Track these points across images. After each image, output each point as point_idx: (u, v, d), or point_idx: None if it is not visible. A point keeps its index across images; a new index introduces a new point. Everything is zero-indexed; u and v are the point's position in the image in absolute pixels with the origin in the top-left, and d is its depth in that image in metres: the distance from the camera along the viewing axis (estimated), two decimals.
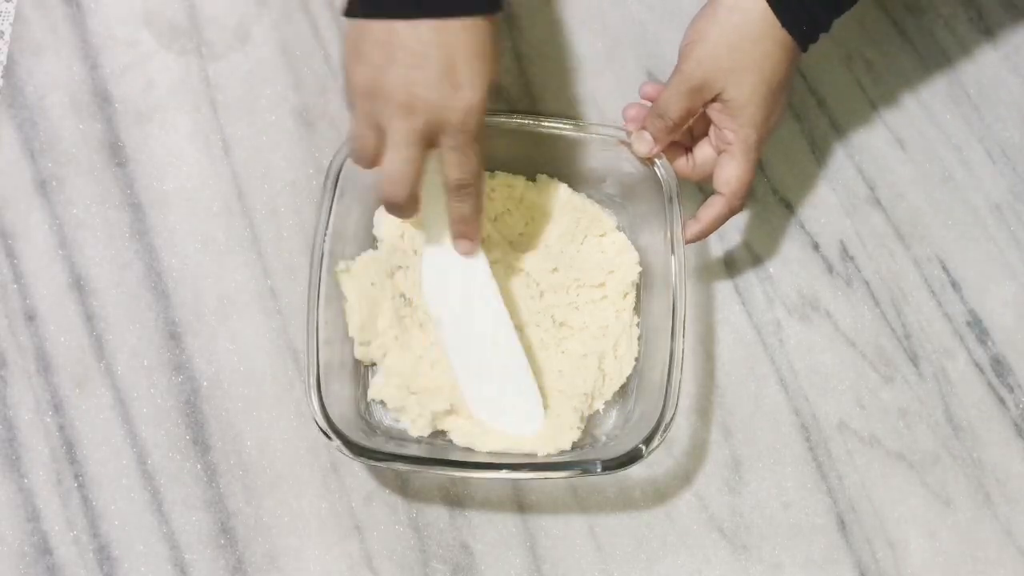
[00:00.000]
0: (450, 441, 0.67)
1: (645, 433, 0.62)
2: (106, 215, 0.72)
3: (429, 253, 0.67)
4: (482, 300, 0.66)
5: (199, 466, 0.68)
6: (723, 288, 0.74)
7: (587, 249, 0.72)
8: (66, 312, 0.70)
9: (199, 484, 0.68)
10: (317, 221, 0.65)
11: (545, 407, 0.67)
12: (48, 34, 0.75)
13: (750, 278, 0.74)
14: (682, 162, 0.68)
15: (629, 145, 0.67)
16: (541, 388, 0.67)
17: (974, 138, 0.79)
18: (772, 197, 0.76)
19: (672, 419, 0.62)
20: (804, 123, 0.78)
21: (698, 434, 0.71)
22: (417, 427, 0.67)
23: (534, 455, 0.66)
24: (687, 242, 0.66)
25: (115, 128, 0.74)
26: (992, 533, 0.70)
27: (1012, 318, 0.75)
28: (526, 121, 0.69)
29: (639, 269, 0.71)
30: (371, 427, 0.67)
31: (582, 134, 0.69)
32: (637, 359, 0.70)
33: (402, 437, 0.67)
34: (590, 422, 0.68)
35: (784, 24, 0.61)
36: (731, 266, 0.75)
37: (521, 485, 0.69)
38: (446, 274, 0.66)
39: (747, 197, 0.66)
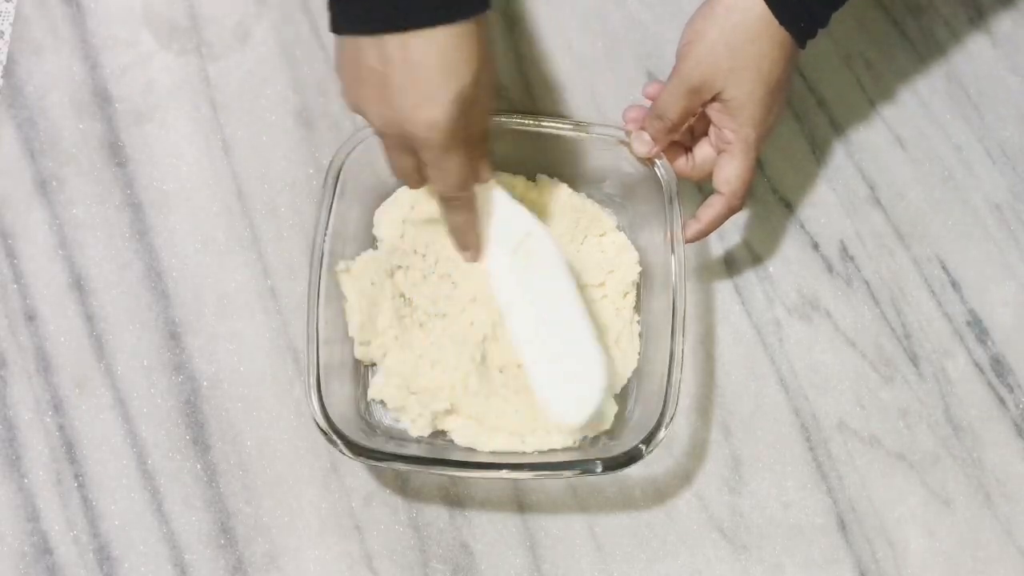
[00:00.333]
0: (450, 441, 0.67)
1: (645, 433, 0.62)
2: (106, 215, 0.72)
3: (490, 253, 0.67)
4: (551, 283, 0.66)
5: (199, 466, 0.68)
6: (723, 288, 0.74)
7: (587, 249, 0.72)
8: (66, 312, 0.70)
9: (199, 484, 0.68)
10: (317, 221, 0.65)
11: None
12: (48, 34, 0.75)
13: (750, 278, 0.74)
14: (682, 161, 0.68)
15: (629, 145, 0.67)
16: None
17: (974, 138, 0.79)
18: (772, 197, 0.76)
19: (672, 419, 0.62)
20: (804, 123, 0.78)
21: (698, 434, 0.71)
22: (417, 427, 0.67)
23: (534, 455, 0.66)
24: (687, 242, 0.66)
25: (115, 128, 0.74)
26: (992, 533, 0.70)
27: (1012, 318, 0.75)
28: (526, 121, 0.69)
29: (639, 268, 0.71)
30: (371, 427, 0.67)
31: (582, 134, 0.69)
32: (639, 354, 0.69)
33: (402, 437, 0.67)
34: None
35: (782, 22, 0.61)
36: (731, 266, 0.75)
37: (521, 485, 0.69)
38: (512, 265, 0.66)
39: (747, 196, 0.66)
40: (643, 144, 0.67)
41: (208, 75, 0.75)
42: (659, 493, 0.69)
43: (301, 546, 0.67)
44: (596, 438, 0.68)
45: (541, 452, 0.67)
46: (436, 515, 0.68)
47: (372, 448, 0.62)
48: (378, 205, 0.71)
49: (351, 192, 0.67)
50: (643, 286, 0.71)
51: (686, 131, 0.67)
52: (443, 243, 0.70)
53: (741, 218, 0.75)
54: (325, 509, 0.68)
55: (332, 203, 0.65)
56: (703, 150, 0.67)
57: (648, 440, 0.62)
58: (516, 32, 0.78)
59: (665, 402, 0.62)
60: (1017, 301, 0.75)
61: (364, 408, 0.68)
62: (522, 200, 0.71)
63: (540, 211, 0.72)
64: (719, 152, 0.65)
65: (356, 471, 0.68)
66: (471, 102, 0.55)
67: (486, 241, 0.67)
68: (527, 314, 0.66)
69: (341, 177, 0.66)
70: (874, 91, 0.79)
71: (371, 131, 0.66)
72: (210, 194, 0.73)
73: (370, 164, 0.68)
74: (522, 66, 0.78)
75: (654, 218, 0.68)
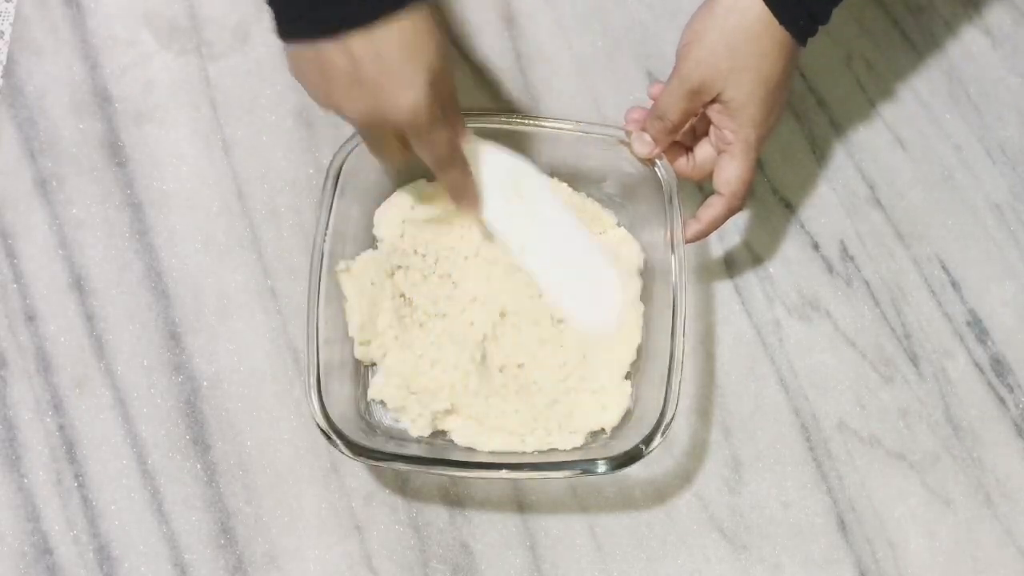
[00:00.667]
0: (450, 441, 0.67)
1: (645, 433, 0.62)
2: (106, 215, 0.72)
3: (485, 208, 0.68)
4: (550, 215, 0.69)
5: (199, 466, 0.68)
6: (723, 288, 0.74)
7: None
8: (66, 312, 0.70)
9: (199, 484, 0.68)
10: (317, 221, 0.65)
11: (557, 401, 0.68)
12: (48, 34, 0.75)
13: (750, 278, 0.74)
14: (683, 161, 0.68)
15: (629, 145, 0.67)
16: (547, 384, 0.68)
17: (974, 138, 0.79)
18: (772, 197, 0.76)
19: (672, 419, 0.62)
20: (804, 123, 0.78)
21: (698, 434, 0.71)
22: (417, 427, 0.67)
23: (534, 455, 0.66)
24: (687, 242, 0.66)
25: (115, 128, 0.74)
26: (992, 533, 0.70)
27: (1012, 318, 0.75)
28: (526, 121, 0.69)
29: (643, 255, 0.71)
30: (371, 427, 0.67)
31: (582, 134, 0.69)
32: (639, 347, 0.69)
33: (402, 437, 0.67)
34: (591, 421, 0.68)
35: (782, 22, 0.61)
36: (731, 266, 0.75)
37: (521, 485, 0.69)
38: (509, 210, 0.68)
39: (747, 197, 0.66)
40: (644, 145, 0.67)
41: (208, 75, 0.75)
42: (659, 493, 0.69)
43: (301, 546, 0.67)
44: (596, 438, 0.68)
45: (541, 452, 0.67)
46: (436, 515, 0.68)
47: (372, 448, 0.62)
48: (378, 205, 0.71)
49: (351, 192, 0.67)
50: (643, 287, 0.71)
51: (687, 131, 0.67)
52: (443, 243, 0.70)
53: (741, 218, 0.75)
54: (325, 509, 0.68)
55: (332, 203, 0.65)
56: (704, 150, 0.67)
57: (648, 440, 0.62)
58: (516, 32, 0.78)
59: (665, 402, 0.62)
60: (1017, 301, 0.75)
61: (364, 408, 0.68)
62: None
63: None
64: (719, 152, 0.65)
65: (356, 471, 0.68)
66: (441, 76, 0.57)
67: (480, 192, 0.67)
68: (536, 248, 0.68)
69: (341, 177, 0.66)
70: (874, 91, 0.79)
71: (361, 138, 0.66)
72: (210, 194, 0.73)
73: (370, 164, 0.68)
74: (522, 66, 0.78)
75: (654, 218, 0.68)
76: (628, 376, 0.69)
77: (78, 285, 0.71)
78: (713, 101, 0.64)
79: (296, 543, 0.67)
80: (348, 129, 0.75)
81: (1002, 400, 0.73)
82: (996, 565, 0.69)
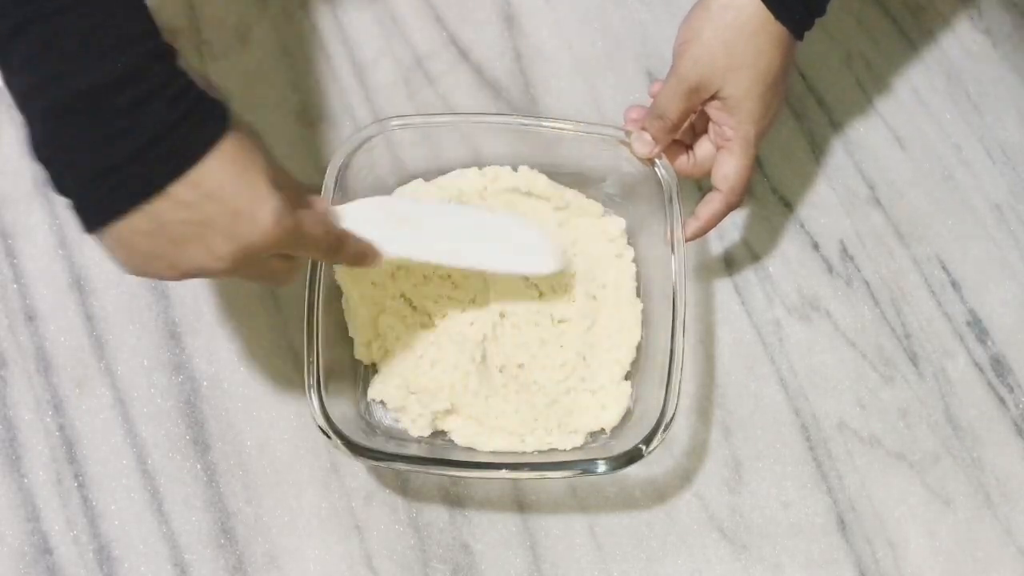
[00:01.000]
0: (450, 441, 0.67)
1: (645, 433, 0.62)
2: None
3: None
4: (445, 220, 0.66)
5: (199, 466, 0.68)
6: (723, 288, 0.74)
7: (582, 243, 0.72)
8: (66, 312, 0.70)
9: (199, 484, 0.68)
10: None
11: (557, 401, 0.68)
12: None
13: (750, 278, 0.74)
14: (683, 159, 0.68)
15: (629, 145, 0.67)
16: (547, 384, 0.68)
17: (974, 138, 0.79)
18: (772, 196, 0.76)
19: (672, 419, 0.62)
20: (804, 122, 0.78)
21: (698, 434, 0.71)
22: (417, 427, 0.67)
23: (534, 455, 0.66)
24: (687, 240, 0.66)
25: None
26: (992, 533, 0.70)
27: (1012, 318, 0.75)
28: (526, 121, 0.69)
29: (624, 224, 0.72)
30: (371, 427, 0.67)
31: (582, 134, 0.69)
32: (639, 344, 0.70)
33: (402, 437, 0.67)
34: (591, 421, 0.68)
35: (778, 17, 0.61)
36: (731, 266, 0.75)
37: (521, 485, 0.69)
38: (405, 238, 0.65)
39: (745, 192, 0.66)
40: (644, 144, 0.67)
41: (208, 75, 0.75)
42: (659, 493, 0.69)
43: (301, 546, 0.67)
44: (596, 438, 0.68)
45: (541, 452, 0.67)
46: (436, 515, 0.68)
47: (372, 448, 0.62)
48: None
49: (351, 192, 0.67)
50: (643, 286, 0.71)
51: (687, 129, 0.67)
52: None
53: (741, 218, 0.75)
54: (325, 509, 0.68)
55: (332, 203, 0.65)
56: (704, 147, 0.67)
57: (648, 440, 0.62)
58: (516, 32, 0.78)
59: (665, 402, 0.62)
60: (1017, 301, 0.75)
61: (364, 408, 0.68)
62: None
63: (520, 204, 0.72)
64: (718, 149, 0.66)
65: (356, 471, 0.68)
66: (274, 170, 0.52)
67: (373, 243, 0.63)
68: (452, 247, 0.65)
69: (341, 177, 0.66)
70: (874, 91, 0.79)
71: (361, 138, 0.66)
72: None
73: (370, 164, 0.68)
74: (522, 66, 0.78)
75: (654, 218, 0.68)
76: (628, 376, 0.69)
77: (78, 285, 0.71)
78: (712, 98, 0.64)
79: (296, 543, 0.67)
80: (348, 129, 0.75)
81: (1002, 400, 0.73)
82: (996, 565, 0.70)
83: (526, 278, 0.70)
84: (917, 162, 0.78)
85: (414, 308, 0.69)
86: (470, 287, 0.70)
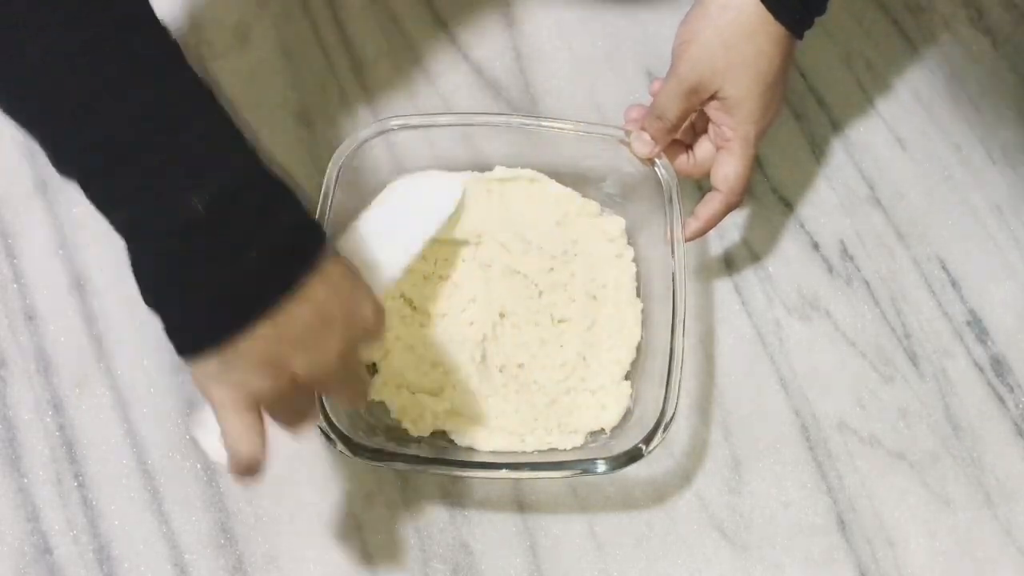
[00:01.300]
0: (450, 441, 0.67)
1: (645, 433, 0.62)
2: None
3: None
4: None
5: (199, 466, 0.68)
6: (723, 288, 0.74)
7: (582, 243, 0.72)
8: (66, 312, 0.70)
9: (199, 484, 0.68)
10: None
11: (557, 401, 0.68)
12: None
13: (750, 278, 0.74)
14: (683, 159, 0.68)
15: (629, 145, 0.67)
16: (547, 384, 0.68)
17: (974, 138, 0.79)
18: (772, 196, 0.76)
19: (672, 419, 0.62)
20: (804, 122, 0.78)
21: (698, 434, 0.71)
22: (418, 427, 0.67)
23: (534, 455, 0.66)
24: (687, 240, 0.66)
25: None
26: (992, 533, 0.70)
27: (1012, 318, 0.75)
28: (526, 121, 0.69)
29: (623, 223, 0.71)
30: (371, 427, 0.67)
31: (582, 134, 0.69)
32: (639, 343, 0.70)
33: (402, 437, 0.67)
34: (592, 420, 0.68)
35: (778, 17, 0.61)
36: (731, 266, 0.75)
37: (521, 485, 0.69)
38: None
39: (745, 192, 0.66)
40: (643, 144, 0.67)
41: (208, 75, 0.75)
42: (659, 493, 0.69)
43: (301, 546, 0.67)
44: (596, 437, 0.68)
45: (541, 452, 0.67)
46: (436, 515, 0.68)
47: (372, 448, 0.62)
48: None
49: (351, 192, 0.67)
50: (643, 286, 0.71)
51: (687, 129, 0.67)
52: (443, 244, 0.70)
53: (741, 218, 0.75)
54: (325, 509, 0.68)
55: (332, 203, 0.65)
56: (704, 147, 0.67)
57: (648, 440, 0.62)
58: (516, 32, 0.78)
59: (665, 402, 0.62)
60: (1017, 301, 0.75)
61: (364, 408, 0.68)
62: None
63: (516, 204, 0.72)
64: (718, 149, 0.66)
65: (356, 471, 0.68)
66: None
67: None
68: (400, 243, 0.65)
69: (341, 177, 0.66)
70: (874, 91, 0.79)
71: (361, 138, 0.66)
72: None
73: (370, 164, 0.68)
74: (522, 66, 0.78)
75: (654, 218, 0.68)
76: (628, 376, 0.69)
77: (78, 285, 0.71)
78: (711, 98, 0.64)
79: (296, 543, 0.67)
80: (348, 129, 0.75)
81: (1002, 400, 0.73)
82: (996, 565, 0.69)
83: (525, 276, 0.70)
84: (917, 162, 0.78)
85: (414, 308, 0.69)
86: (470, 288, 0.70)
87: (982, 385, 0.73)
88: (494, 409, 0.67)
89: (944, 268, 0.76)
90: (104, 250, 0.71)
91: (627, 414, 0.68)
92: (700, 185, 0.75)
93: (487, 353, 0.68)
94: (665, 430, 0.62)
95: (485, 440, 0.67)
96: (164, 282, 0.49)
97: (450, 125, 0.70)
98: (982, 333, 0.74)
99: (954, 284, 0.75)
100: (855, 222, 0.76)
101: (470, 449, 0.67)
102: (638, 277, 0.71)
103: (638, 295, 0.71)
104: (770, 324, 0.73)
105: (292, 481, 0.68)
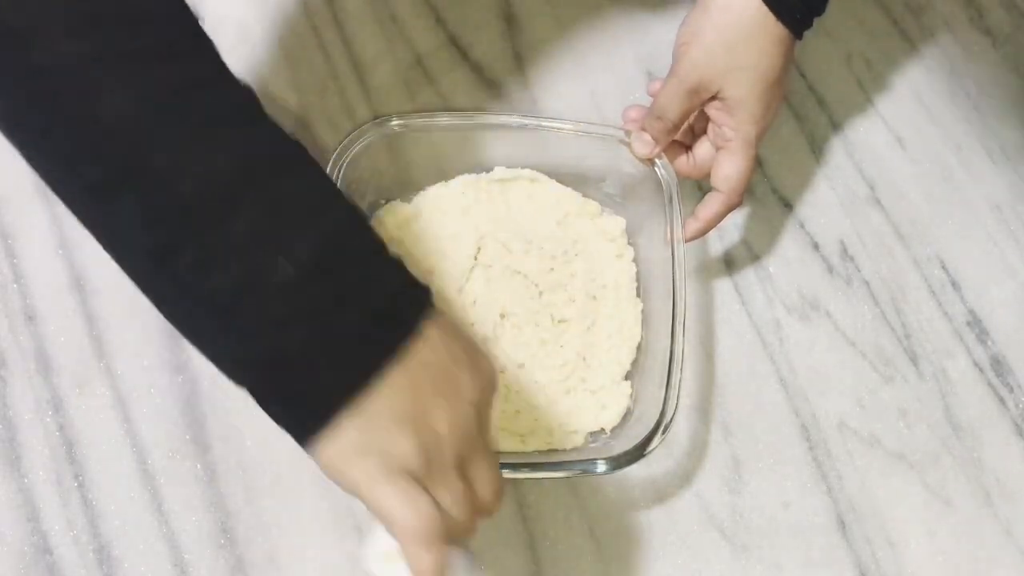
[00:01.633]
0: None
1: (645, 433, 0.62)
2: None
3: None
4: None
5: (199, 466, 0.68)
6: (723, 288, 0.74)
7: (582, 243, 0.72)
8: (66, 312, 0.70)
9: (199, 484, 0.68)
10: None
11: (557, 401, 0.68)
12: None
13: (750, 278, 0.74)
14: (682, 160, 0.68)
15: (629, 145, 0.67)
16: (547, 384, 0.68)
17: (974, 138, 0.79)
18: (772, 197, 0.76)
19: (672, 419, 0.62)
20: (804, 122, 0.78)
21: (698, 434, 0.71)
22: None
23: (534, 455, 0.66)
24: (687, 240, 0.66)
25: None
26: (992, 533, 0.70)
27: (1012, 318, 0.75)
28: (526, 121, 0.69)
29: (623, 223, 0.71)
30: None
31: (582, 134, 0.69)
32: (639, 343, 0.70)
33: None
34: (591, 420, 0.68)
35: (779, 17, 0.61)
36: (731, 266, 0.75)
37: (521, 485, 0.69)
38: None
39: (745, 192, 0.66)
40: (643, 144, 0.67)
41: None
42: (659, 493, 0.69)
43: (301, 546, 0.67)
44: (596, 437, 0.68)
45: (541, 452, 0.67)
46: None
47: None
48: (378, 206, 0.71)
49: (351, 192, 0.67)
50: (643, 286, 0.71)
51: (686, 130, 0.67)
52: (443, 244, 0.70)
53: (741, 218, 0.75)
54: (325, 509, 0.68)
55: None
56: (703, 148, 0.67)
57: (648, 440, 0.62)
58: (516, 32, 0.78)
59: (665, 402, 0.62)
60: (1017, 301, 0.75)
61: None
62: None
63: (516, 204, 0.72)
64: (718, 149, 0.66)
65: None
66: None
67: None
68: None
69: (341, 177, 0.66)
70: (874, 91, 0.79)
71: (361, 138, 0.66)
72: None
73: (370, 164, 0.68)
74: (522, 66, 0.78)
75: (654, 218, 0.68)
76: (628, 376, 0.69)
77: (78, 285, 0.71)
78: (712, 99, 0.64)
79: (296, 543, 0.67)
80: (348, 129, 0.75)
81: (1002, 400, 0.73)
82: (996, 565, 0.69)
83: (525, 276, 0.70)
84: (917, 162, 0.78)
85: None
86: (471, 288, 0.70)
87: (982, 385, 0.73)
88: (494, 409, 0.67)
89: (944, 268, 0.76)
90: (104, 250, 0.71)
91: (627, 414, 0.68)
92: (700, 185, 0.75)
93: (487, 353, 0.68)
94: (665, 430, 0.62)
95: None
96: (279, 350, 0.43)
97: (450, 125, 0.70)
98: (982, 333, 0.74)
99: (954, 284, 0.75)
100: (855, 222, 0.76)
101: None
102: (638, 277, 0.71)
103: (638, 295, 0.71)
104: (770, 324, 0.73)
105: (292, 481, 0.68)
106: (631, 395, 0.68)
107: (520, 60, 0.78)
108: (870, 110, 0.79)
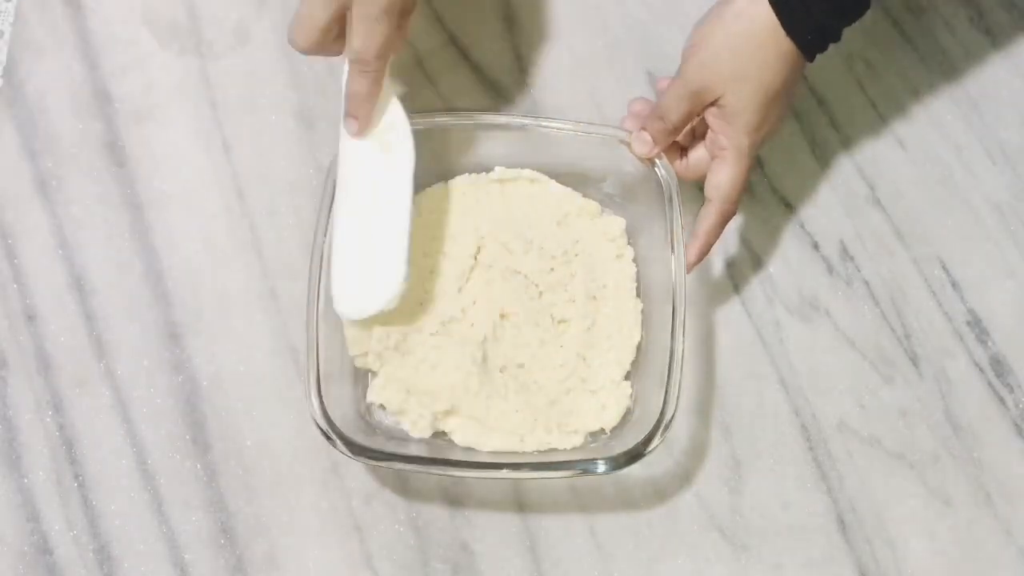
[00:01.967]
0: (450, 441, 0.67)
1: (645, 433, 0.62)
2: (106, 215, 0.72)
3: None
4: (390, 180, 0.65)
5: (199, 466, 0.68)
6: (723, 288, 0.74)
7: (582, 243, 0.72)
8: (66, 312, 0.70)
9: (199, 484, 0.68)
10: (317, 221, 0.65)
11: (557, 401, 0.68)
12: (48, 34, 0.75)
13: (750, 278, 0.74)
14: (676, 162, 0.68)
15: (629, 145, 0.67)
16: (547, 384, 0.68)
17: (974, 138, 0.78)
18: (772, 197, 0.76)
19: (672, 419, 0.62)
20: (804, 123, 0.78)
21: (698, 434, 0.71)
22: (418, 428, 0.67)
23: (534, 455, 0.66)
24: (691, 265, 0.65)
25: (115, 128, 0.74)
26: (992, 533, 0.70)
27: (1012, 318, 0.75)
28: (526, 121, 0.69)
29: (623, 222, 0.71)
30: (371, 427, 0.67)
31: (582, 134, 0.69)
32: (639, 343, 0.70)
33: (402, 437, 0.67)
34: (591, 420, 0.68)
35: (788, 32, 0.61)
36: (731, 266, 0.75)
37: (521, 485, 0.69)
38: (365, 146, 0.65)
39: (739, 201, 0.66)
40: (643, 144, 0.67)
41: (208, 75, 0.75)
42: (659, 493, 0.69)
43: (301, 546, 0.67)
44: (596, 437, 0.68)
45: (541, 452, 0.67)
46: (436, 515, 0.68)
47: (372, 448, 0.62)
48: None
49: None
50: (642, 286, 0.71)
51: (687, 133, 0.67)
52: (443, 245, 0.70)
53: (741, 218, 0.75)
54: (325, 509, 0.68)
55: (332, 203, 0.65)
56: (698, 152, 0.67)
57: (648, 440, 0.62)
58: (516, 32, 0.78)
59: (665, 402, 0.62)
60: (1017, 301, 0.75)
61: (364, 408, 0.68)
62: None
63: (516, 204, 0.72)
64: (713, 157, 0.66)
65: (356, 471, 0.68)
66: None
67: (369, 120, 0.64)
68: (355, 196, 0.65)
69: None
70: (874, 91, 0.79)
71: None
72: (210, 194, 0.73)
73: None
74: (522, 66, 0.78)
75: (654, 218, 0.68)
76: (628, 376, 0.69)
77: (78, 285, 0.71)
78: (712, 104, 0.64)
79: (296, 543, 0.67)
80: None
81: (1002, 400, 0.73)
82: (996, 565, 0.70)
83: (525, 276, 0.70)
84: (917, 162, 0.78)
85: (415, 309, 0.69)
86: (471, 288, 0.70)
87: (982, 385, 0.73)
88: (494, 409, 0.67)
89: (944, 268, 0.76)
90: (104, 250, 0.71)
91: (627, 414, 0.68)
92: (700, 186, 0.75)
93: (487, 354, 0.68)
94: (665, 430, 0.62)
95: (485, 440, 0.67)
96: None
97: (450, 125, 0.70)
98: (982, 333, 0.74)
99: (954, 284, 0.75)
100: (855, 222, 0.76)
101: (470, 449, 0.67)
102: (638, 277, 0.71)
103: (638, 295, 0.71)
104: (770, 324, 0.73)
105: (292, 481, 0.68)
106: (631, 395, 0.68)
107: (520, 60, 0.78)
108: (870, 110, 0.79)
